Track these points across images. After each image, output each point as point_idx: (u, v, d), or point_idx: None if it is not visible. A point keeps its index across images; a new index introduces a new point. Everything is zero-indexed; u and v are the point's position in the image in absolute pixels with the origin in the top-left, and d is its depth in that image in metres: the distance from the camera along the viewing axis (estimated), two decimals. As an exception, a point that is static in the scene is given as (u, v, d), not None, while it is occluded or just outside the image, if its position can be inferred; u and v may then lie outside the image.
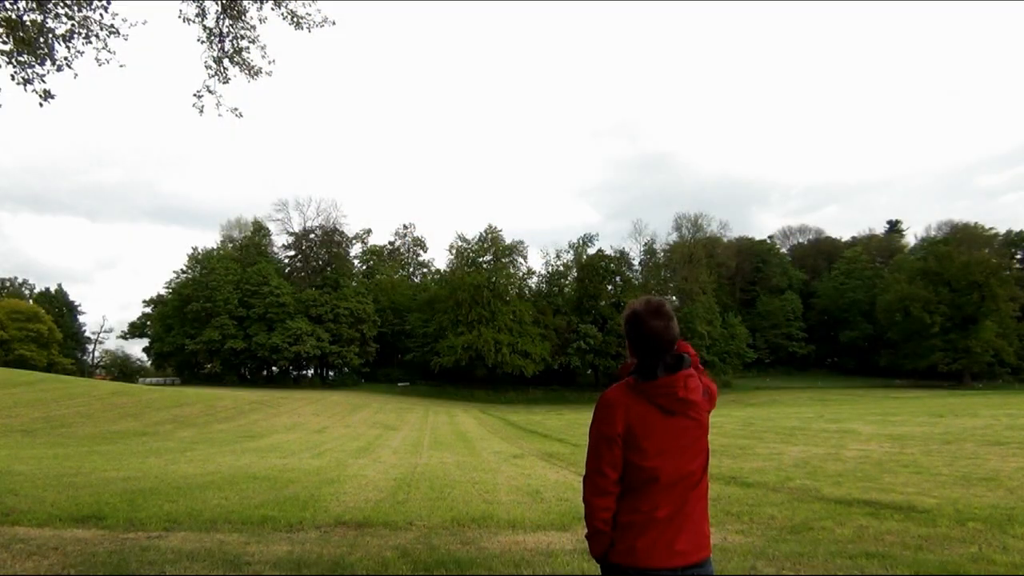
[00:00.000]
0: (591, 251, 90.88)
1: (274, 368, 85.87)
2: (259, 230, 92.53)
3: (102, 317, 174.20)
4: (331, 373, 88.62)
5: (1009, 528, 6.83)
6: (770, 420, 31.11)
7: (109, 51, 7.82)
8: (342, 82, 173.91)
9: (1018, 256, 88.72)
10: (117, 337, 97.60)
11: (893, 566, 5.36)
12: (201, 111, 8.68)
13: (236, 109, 9.01)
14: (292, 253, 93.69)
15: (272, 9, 8.51)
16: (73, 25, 7.56)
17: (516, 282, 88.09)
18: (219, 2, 8.35)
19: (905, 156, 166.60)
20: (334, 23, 8.87)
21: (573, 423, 38.84)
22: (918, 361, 79.51)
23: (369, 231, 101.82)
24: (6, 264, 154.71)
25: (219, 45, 8.54)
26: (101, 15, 7.68)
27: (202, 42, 8.51)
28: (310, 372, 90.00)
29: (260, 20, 8.55)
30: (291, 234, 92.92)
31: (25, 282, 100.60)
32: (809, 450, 16.74)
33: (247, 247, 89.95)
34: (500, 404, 72.16)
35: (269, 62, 8.85)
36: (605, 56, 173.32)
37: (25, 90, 7.54)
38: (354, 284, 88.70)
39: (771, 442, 19.57)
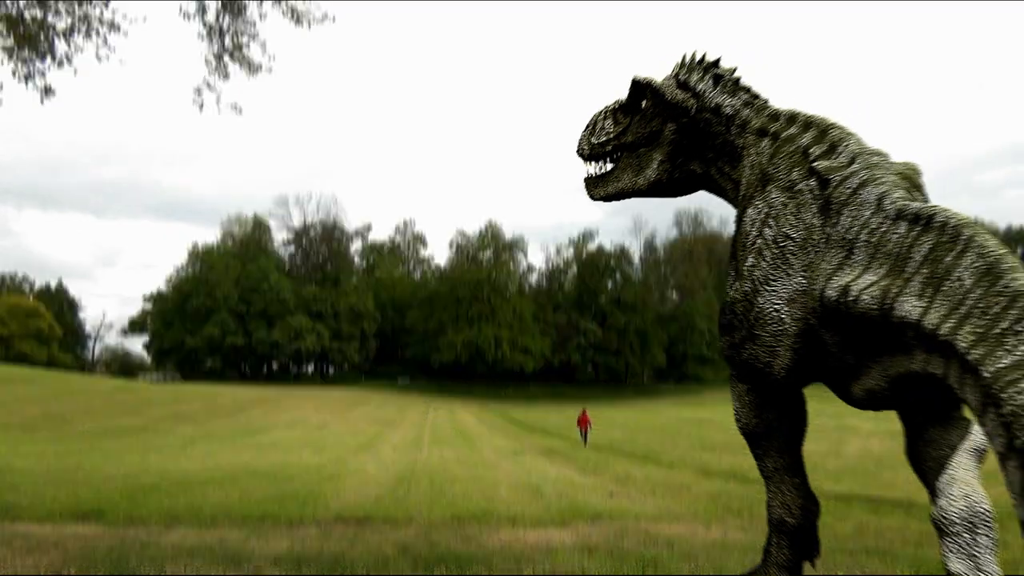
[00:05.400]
0: (591, 247, 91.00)
1: (274, 364, 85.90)
2: (259, 226, 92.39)
3: (102, 313, 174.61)
4: (331, 369, 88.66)
5: (1009, 526, 6.83)
6: (770, 416, 31.05)
7: (109, 47, 7.82)
8: (342, 79, 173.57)
9: (1018, 252, 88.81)
10: (118, 333, 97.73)
11: (894, 562, 5.37)
12: (201, 107, 8.67)
13: (236, 105, 9.02)
14: (292, 249, 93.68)
15: (272, 5, 8.49)
16: (73, 21, 7.55)
17: (516, 278, 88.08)
18: (219, -2, 8.32)
19: (906, 152, 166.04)
20: (334, 19, 8.85)
21: (573, 419, 38.80)
22: (918, 358, 79.44)
23: (369, 227, 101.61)
24: (10, 259, 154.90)
25: (219, 41, 8.50)
26: (101, 11, 7.67)
27: (202, 38, 8.49)
28: (310, 368, 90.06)
29: (260, 16, 8.53)
30: (291, 230, 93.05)
31: (25, 278, 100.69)
32: (809, 446, 16.59)
33: (247, 243, 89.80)
34: (500, 400, 72.18)
35: (269, 58, 8.84)
36: (607, 54, 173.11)
37: (26, 86, 7.53)
38: (354, 280, 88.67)
39: (771, 438, 19.57)
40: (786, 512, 2.50)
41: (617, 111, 3.36)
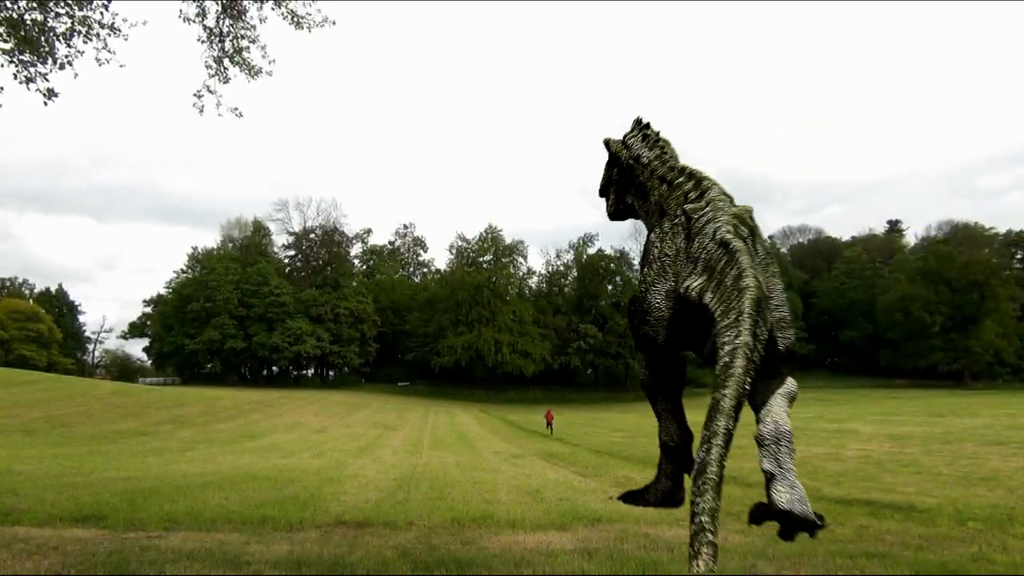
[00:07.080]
0: (591, 251, 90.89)
1: (274, 368, 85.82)
2: (259, 230, 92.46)
3: (102, 317, 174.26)
4: (331, 373, 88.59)
5: (1009, 528, 6.84)
6: (770, 420, 31.04)
7: (109, 51, 7.81)
8: (342, 82, 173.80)
9: (1018, 256, 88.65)
10: (117, 337, 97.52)
11: (893, 566, 5.36)
12: (201, 111, 8.66)
13: (236, 109, 9.01)
14: (292, 253, 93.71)
15: (272, 9, 8.50)
16: (73, 23, 7.56)
17: (516, 282, 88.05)
18: (219, 2, 8.33)
19: (908, 156, 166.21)
20: (334, 23, 8.85)
21: (573, 423, 38.89)
22: (918, 361, 79.38)
23: (369, 231, 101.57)
24: (11, 263, 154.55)
25: (219, 45, 8.52)
26: (101, 14, 7.67)
27: (202, 42, 8.50)
28: (310, 372, 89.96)
29: (260, 20, 8.53)
30: (291, 234, 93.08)
31: (25, 282, 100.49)
32: (809, 450, 16.73)
33: (247, 247, 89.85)
34: (500, 404, 72.16)
35: (269, 62, 8.84)
36: (609, 56, 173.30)
37: (28, 89, 7.54)
38: (354, 284, 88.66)
39: (771, 442, 19.55)
40: (670, 439, 3.42)
41: (608, 163, 4.62)
